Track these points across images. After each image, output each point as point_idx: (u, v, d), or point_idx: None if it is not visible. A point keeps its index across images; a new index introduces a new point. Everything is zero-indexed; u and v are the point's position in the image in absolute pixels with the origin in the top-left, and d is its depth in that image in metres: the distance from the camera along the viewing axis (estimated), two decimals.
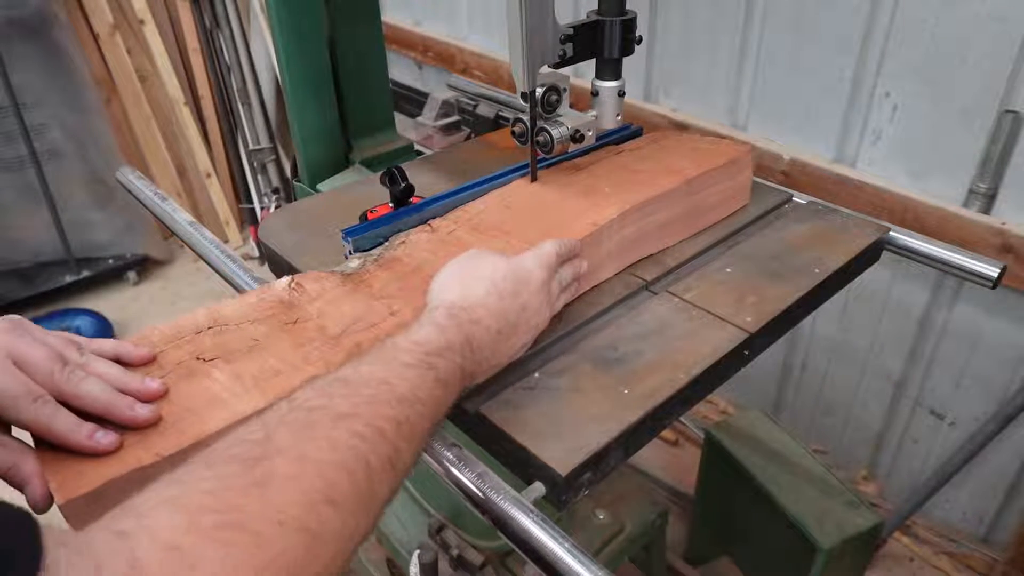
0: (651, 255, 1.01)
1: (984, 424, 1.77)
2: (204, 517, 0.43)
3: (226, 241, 3.50)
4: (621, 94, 1.08)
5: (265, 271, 1.07)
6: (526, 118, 1.01)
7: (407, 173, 0.98)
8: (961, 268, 1.01)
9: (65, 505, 0.56)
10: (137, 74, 3.15)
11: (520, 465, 0.72)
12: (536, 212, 0.99)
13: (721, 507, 1.84)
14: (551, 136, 1.01)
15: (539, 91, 0.99)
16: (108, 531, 0.41)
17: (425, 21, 2.88)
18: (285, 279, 0.85)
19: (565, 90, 1.03)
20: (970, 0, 1.48)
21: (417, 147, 1.58)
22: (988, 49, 1.50)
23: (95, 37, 3.05)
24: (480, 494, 0.65)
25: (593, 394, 0.77)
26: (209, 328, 0.76)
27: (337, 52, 1.38)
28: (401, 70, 3.01)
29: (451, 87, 1.83)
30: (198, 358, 0.72)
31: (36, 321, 0.67)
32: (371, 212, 1.03)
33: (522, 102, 0.98)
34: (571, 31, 0.98)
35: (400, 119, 1.76)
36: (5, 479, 0.60)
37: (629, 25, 1.02)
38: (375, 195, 1.07)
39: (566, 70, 1.02)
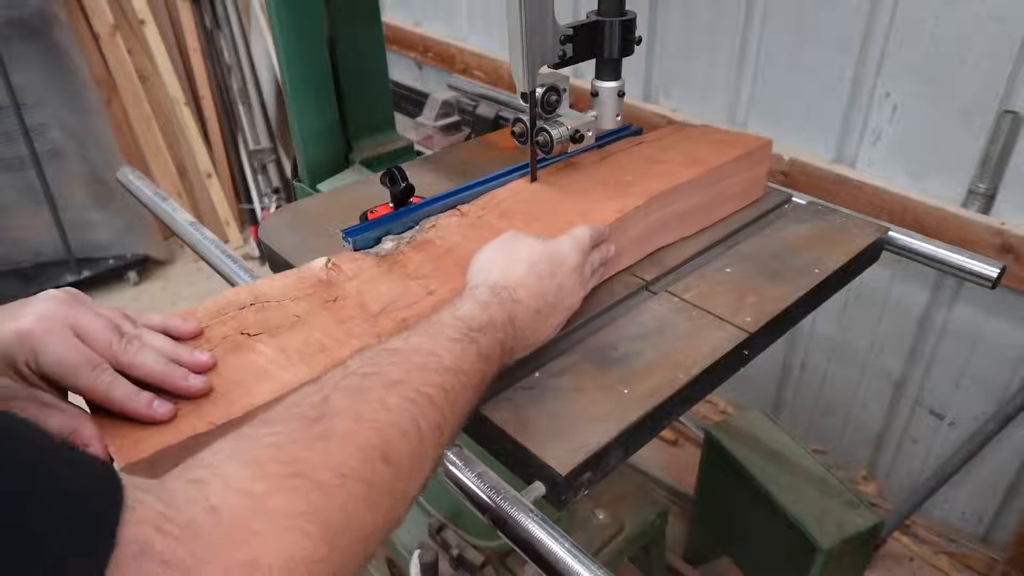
0: (650, 255, 1.01)
1: (983, 424, 1.77)
2: (271, 467, 0.45)
3: (226, 241, 3.49)
4: (621, 94, 1.09)
5: (265, 271, 1.07)
6: (526, 118, 1.01)
7: (407, 173, 0.98)
8: (960, 268, 1.02)
9: (124, 468, 0.58)
10: (137, 74, 3.15)
11: (520, 465, 0.72)
12: (562, 199, 1.01)
13: (721, 507, 1.84)
14: (551, 136, 1.01)
15: (539, 91, 0.99)
16: (183, 479, 0.44)
17: (425, 21, 2.88)
18: (322, 259, 0.88)
19: (565, 90, 1.03)
20: (970, 0, 1.48)
21: (417, 147, 1.58)
22: (988, 49, 1.50)
23: (95, 37, 3.05)
24: (480, 494, 0.65)
25: (593, 394, 0.77)
26: (251, 304, 0.79)
27: (337, 52, 1.38)
28: (401, 70, 3.01)
29: (451, 87, 1.83)
30: (243, 333, 0.74)
31: None
32: (371, 212, 1.03)
33: (522, 102, 0.99)
34: (571, 31, 0.98)
35: (400, 119, 1.76)
36: None
37: (629, 25, 1.02)
38: (375, 195, 1.07)
39: (566, 70, 1.03)
